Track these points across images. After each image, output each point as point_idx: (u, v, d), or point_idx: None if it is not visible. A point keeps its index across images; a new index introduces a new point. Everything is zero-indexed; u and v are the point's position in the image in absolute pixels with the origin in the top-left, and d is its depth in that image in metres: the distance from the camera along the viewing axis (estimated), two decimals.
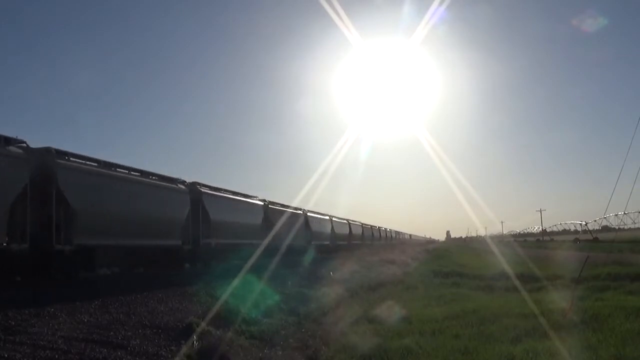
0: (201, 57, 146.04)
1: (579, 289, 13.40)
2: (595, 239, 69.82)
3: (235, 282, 13.46)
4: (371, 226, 68.12)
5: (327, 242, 42.58)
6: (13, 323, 8.02)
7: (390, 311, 12.36)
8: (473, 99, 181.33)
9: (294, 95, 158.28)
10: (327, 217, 44.76)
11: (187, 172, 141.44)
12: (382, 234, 77.77)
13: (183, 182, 22.10)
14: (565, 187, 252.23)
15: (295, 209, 35.88)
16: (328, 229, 44.30)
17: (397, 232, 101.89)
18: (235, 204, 26.92)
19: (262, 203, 30.57)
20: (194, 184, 23.22)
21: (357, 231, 56.65)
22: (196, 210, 22.24)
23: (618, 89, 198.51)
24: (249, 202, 28.90)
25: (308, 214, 38.05)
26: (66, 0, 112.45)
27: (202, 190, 23.52)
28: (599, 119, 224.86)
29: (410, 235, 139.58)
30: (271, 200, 32.91)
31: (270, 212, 30.92)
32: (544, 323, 9.55)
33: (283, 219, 31.28)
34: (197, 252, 22.30)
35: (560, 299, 12.02)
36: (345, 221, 51.86)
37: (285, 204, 35.21)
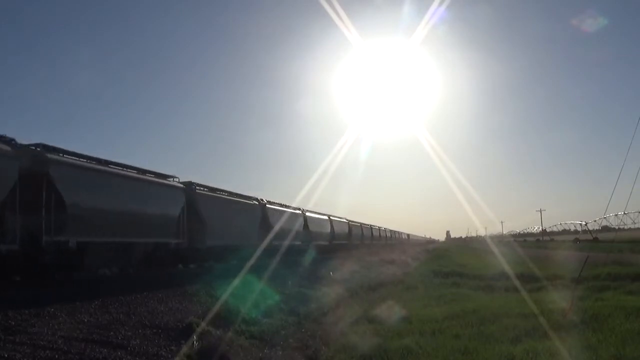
0: (201, 57, 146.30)
1: (579, 289, 13.41)
2: (595, 239, 69.75)
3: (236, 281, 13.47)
4: (361, 224, 60.73)
5: (298, 243, 34.13)
6: (13, 323, 8.01)
7: (390, 311, 12.36)
8: (473, 99, 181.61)
9: (294, 95, 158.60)
10: (299, 211, 36.62)
11: (186, 172, 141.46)
12: (375, 233, 71.06)
13: (11, 142, 14.34)
14: (565, 187, 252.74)
15: (248, 198, 29.15)
16: (299, 226, 35.70)
17: (392, 232, 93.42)
18: (124, 184, 18.13)
19: (181, 186, 22.22)
20: (37, 146, 15.46)
21: (342, 230, 49.21)
22: (35, 189, 14.44)
23: (618, 89, 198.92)
24: (155, 184, 20.25)
25: (267, 205, 30.81)
26: (66, 0, 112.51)
27: (51, 157, 15.29)
28: (599, 119, 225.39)
29: (408, 235, 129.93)
30: (212, 185, 25.09)
31: (197, 200, 22.85)
32: (544, 323, 9.54)
33: (222, 210, 24.53)
34: (37, 256, 14.51)
35: (560, 299, 12.01)
36: (325, 217, 44.04)
37: (240, 192, 27.86)
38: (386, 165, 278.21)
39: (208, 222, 22.61)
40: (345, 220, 51.41)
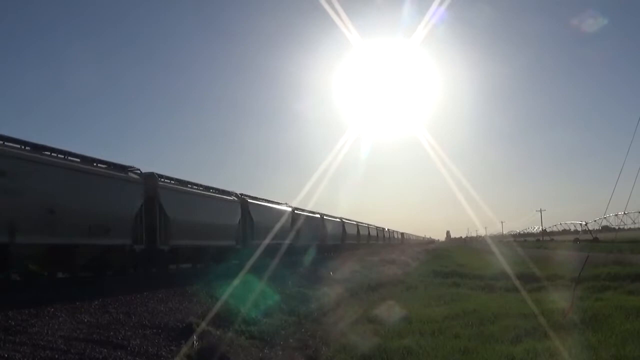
0: (201, 57, 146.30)
1: (579, 289, 13.40)
2: (595, 239, 69.67)
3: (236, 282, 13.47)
4: (368, 225, 58.67)
5: (318, 242, 34.07)
6: (13, 323, 8.01)
7: (390, 311, 12.34)
8: (473, 99, 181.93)
9: (294, 95, 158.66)
10: (318, 215, 36.83)
11: (186, 172, 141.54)
12: (380, 234, 68.71)
13: (136, 171, 17.78)
14: (565, 187, 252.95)
15: (281, 204, 30.53)
16: (319, 228, 36.41)
17: (395, 232, 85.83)
18: (201, 201, 21.68)
19: (238, 200, 24.82)
20: (148, 174, 18.34)
21: (352, 231, 49.26)
22: (151, 207, 17.85)
23: (618, 89, 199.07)
24: (221, 199, 23.47)
25: (295, 211, 32.24)
26: (66, 0, 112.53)
27: (160, 184, 18.64)
28: (599, 119, 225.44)
29: (402, 234, 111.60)
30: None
31: (249, 208, 25.27)
32: (544, 323, 9.55)
33: (265, 215, 26.62)
34: (154, 254, 18.00)
35: (560, 299, 12.02)
36: (338, 220, 43.91)
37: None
38: (386, 165, 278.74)
39: (256, 225, 26.12)
40: (354, 222, 54.35)
